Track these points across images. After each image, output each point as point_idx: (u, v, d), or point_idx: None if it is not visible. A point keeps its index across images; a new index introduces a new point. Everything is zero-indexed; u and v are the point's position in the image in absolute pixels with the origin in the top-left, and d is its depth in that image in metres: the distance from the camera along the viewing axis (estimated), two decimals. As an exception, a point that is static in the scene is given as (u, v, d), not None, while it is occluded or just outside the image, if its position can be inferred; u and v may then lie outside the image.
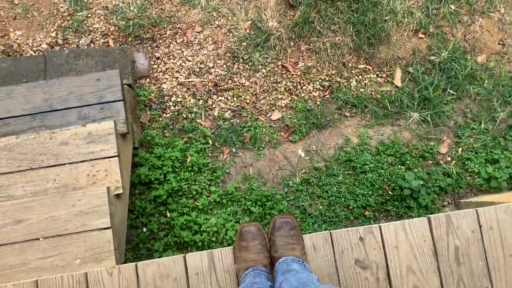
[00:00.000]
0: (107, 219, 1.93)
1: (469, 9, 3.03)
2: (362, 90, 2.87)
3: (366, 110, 2.86)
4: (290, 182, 2.68)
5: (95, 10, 2.91)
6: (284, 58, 2.90)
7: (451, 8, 3.01)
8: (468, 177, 2.73)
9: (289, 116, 2.81)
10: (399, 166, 2.73)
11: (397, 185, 2.64)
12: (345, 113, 2.85)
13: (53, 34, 2.85)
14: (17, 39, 2.83)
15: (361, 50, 2.90)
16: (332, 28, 2.90)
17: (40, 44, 2.83)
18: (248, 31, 2.92)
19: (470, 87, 2.88)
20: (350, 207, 2.63)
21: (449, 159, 2.77)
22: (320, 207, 2.64)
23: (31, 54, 2.80)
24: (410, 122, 2.82)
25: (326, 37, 2.89)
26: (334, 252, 1.82)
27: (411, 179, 2.60)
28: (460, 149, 2.78)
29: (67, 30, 2.86)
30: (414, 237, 1.83)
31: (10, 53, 2.80)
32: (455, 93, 2.87)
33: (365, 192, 2.64)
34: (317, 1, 2.90)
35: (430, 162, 2.76)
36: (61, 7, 2.90)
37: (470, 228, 1.83)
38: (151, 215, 2.58)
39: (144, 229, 2.56)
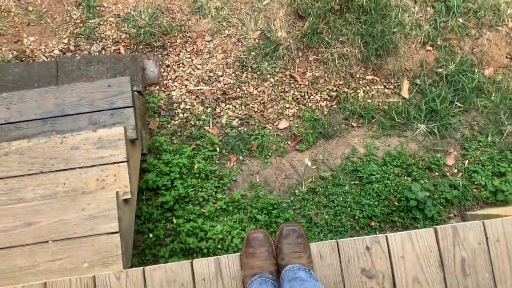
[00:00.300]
0: (116, 224, 1.95)
1: (477, 23, 3.06)
2: (369, 101, 2.89)
3: (373, 121, 2.88)
4: (296, 191, 2.69)
5: (107, 18, 2.95)
6: (292, 68, 2.93)
7: (459, 21, 3.03)
8: (475, 190, 2.73)
9: (296, 125, 2.83)
10: (406, 177, 2.74)
11: (403, 196, 2.65)
12: (352, 124, 2.86)
13: (65, 41, 2.90)
14: (30, 45, 2.88)
15: (369, 61, 2.93)
16: (340, 39, 2.93)
17: (53, 50, 2.87)
18: (257, 41, 2.96)
19: (478, 100, 2.90)
20: (356, 217, 2.64)
21: (455, 171, 2.78)
22: (326, 216, 2.65)
23: (44, 60, 2.84)
24: (417, 133, 2.83)
25: (334, 48, 2.92)
26: (340, 261, 1.83)
27: (417, 191, 2.61)
28: (467, 161, 2.79)
29: (79, 37, 2.90)
30: (420, 247, 1.83)
31: (23, 59, 2.84)
32: (462, 106, 2.89)
33: (371, 203, 2.65)
34: (326, 12, 2.93)
35: (437, 173, 2.77)
36: (74, 14, 2.95)
37: (476, 240, 1.84)
38: (157, 221, 2.60)
39: (151, 235, 2.58)
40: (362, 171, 2.71)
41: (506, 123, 2.85)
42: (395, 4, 3.00)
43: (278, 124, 2.84)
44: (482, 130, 2.85)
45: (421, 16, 3.04)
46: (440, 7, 3.04)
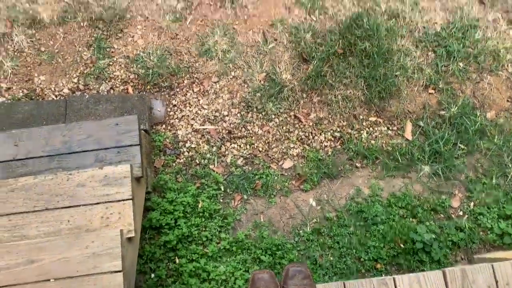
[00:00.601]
0: (119, 262, 1.92)
1: (478, 67, 3.13)
2: (373, 142, 2.92)
3: (377, 162, 2.89)
4: (301, 231, 2.67)
5: (117, 59, 3.04)
6: (297, 109, 2.97)
7: (459, 65, 3.11)
8: (481, 232, 2.71)
9: (301, 165, 2.84)
10: (411, 219, 2.72)
11: (409, 238, 2.61)
12: (356, 164, 2.88)
13: (75, 80, 2.96)
14: (40, 83, 2.94)
15: (372, 103, 2.98)
16: (344, 82, 2.99)
17: (62, 89, 2.94)
18: (262, 82, 3.02)
19: (481, 142, 2.92)
20: (362, 259, 2.60)
21: (461, 213, 2.76)
22: (331, 258, 2.61)
23: (53, 98, 2.90)
24: (421, 175, 2.83)
25: (337, 90, 2.98)
26: (347, 304, 1.79)
27: (423, 233, 2.58)
28: (472, 203, 2.78)
29: (89, 77, 2.97)
30: (429, 290, 1.80)
31: (33, 97, 2.90)
32: (465, 148, 2.90)
33: (376, 244, 2.62)
34: (330, 56, 3.01)
35: (442, 215, 2.75)
36: (85, 54, 3.04)
37: (486, 283, 1.80)
38: (160, 261, 2.56)
39: (152, 275, 2.53)
40: (367, 212, 2.69)
41: (510, 165, 2.86)
42: (397, 49, 3.09)
43: (283, 163, 2.85)
44: (486, 172, 2.86)
45: (422, 60, 3.12)
46: (441, 51, 3.12)
